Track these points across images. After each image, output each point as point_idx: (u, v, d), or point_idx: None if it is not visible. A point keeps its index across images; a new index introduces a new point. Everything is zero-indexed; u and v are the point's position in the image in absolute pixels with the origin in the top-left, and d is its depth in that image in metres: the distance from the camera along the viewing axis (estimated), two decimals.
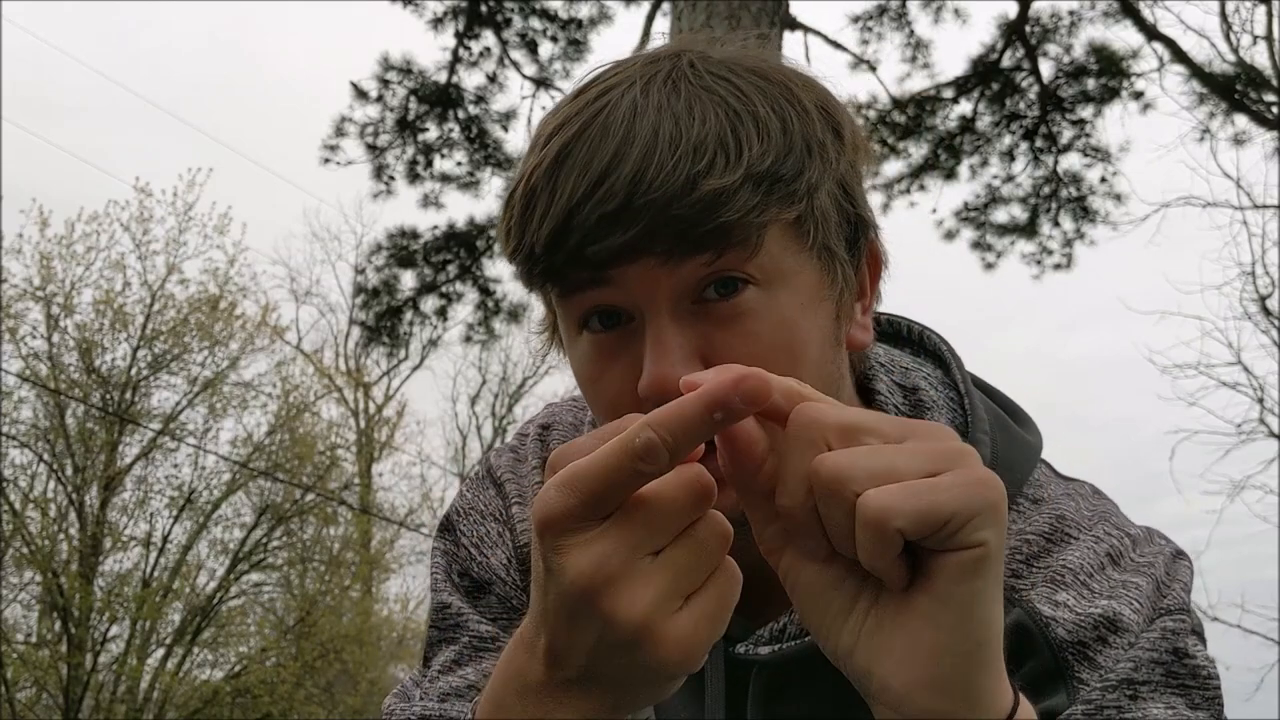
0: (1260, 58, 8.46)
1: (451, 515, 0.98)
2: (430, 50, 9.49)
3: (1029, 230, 8.60)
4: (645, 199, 0.70)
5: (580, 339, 0.78)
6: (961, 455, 0.55)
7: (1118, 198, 8.47)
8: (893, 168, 8.31)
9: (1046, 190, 8.51)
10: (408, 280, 8.78)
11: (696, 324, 0.74)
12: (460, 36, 8.34)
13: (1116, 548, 0.82)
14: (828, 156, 0.77)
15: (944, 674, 0.53)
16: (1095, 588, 0.79)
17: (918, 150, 8.34)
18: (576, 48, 8.44)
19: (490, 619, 0.92)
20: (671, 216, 0.70)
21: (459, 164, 8.62)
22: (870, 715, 0.57)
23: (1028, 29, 8.09)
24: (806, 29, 6.97)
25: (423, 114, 8.47)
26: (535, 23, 8.42)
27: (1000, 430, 0.87)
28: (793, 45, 7.16)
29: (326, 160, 8.43)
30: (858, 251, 0.82)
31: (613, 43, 8.54)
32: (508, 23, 8.43)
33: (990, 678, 0.54)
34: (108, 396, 14.39)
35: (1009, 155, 8.47)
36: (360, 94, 8.39)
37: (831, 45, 7.56)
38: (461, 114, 8.52)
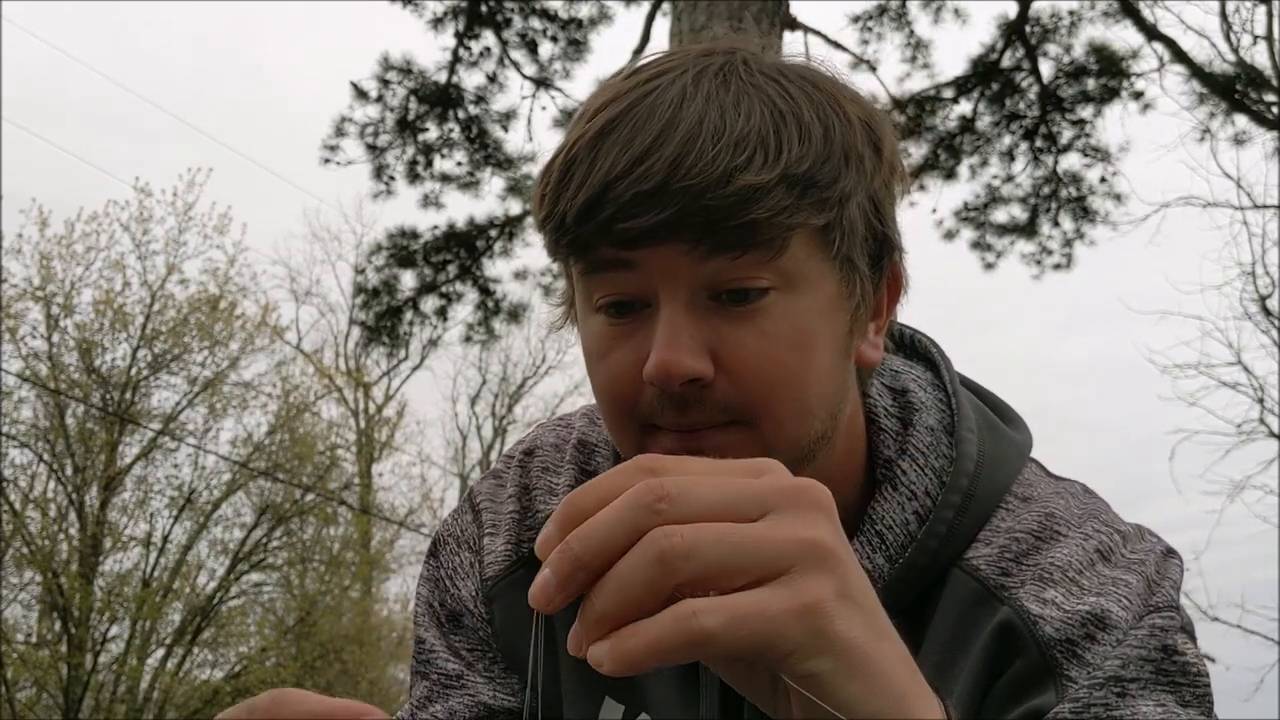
0: (1260, 58, 8.47)
1: (436, 540, 1.00)
2: (430, 50, 9.51)
3: (1029, 230, 8.60)
4: (681, 184, 0.71)
5: (593, 317, 0.80)
6: (807, 552, 0.50)
7: (1118, 198, 8.47)
8: None
9: (1046, 190, 8.51)
10: (408, 280, 8.78)
11: (710, 318, 0.75)
12: (460, 36, 8.34)
13: (1106, 544, 0.82)
14: (864, 169, 0.78)
15: None
16: (1084, 585, 0.78)
17: (918, 150, 8.34)
18: (576, 48, 8.44)
19: (466, 649, 0.94)
20: (703, 205, 0.71)
21: (459, 164, 8.62)
22: None
23: (1028, 29, 8.08)
24: (806, 29, 6.97)
25: (423, 114, 8.47)
26: (535, 23, 8.42)
27: (987, 429, 0.88)
28: (793, 45, 7.17)
29: (326, 160, 8.43)
30: (880, 270, 0.82)
31: (613, 43, 8.52)
32: (508, 23, 8.43)
33: None
34: (108, 396, 14.39)
35: (1009, 155, 8.47)
36: (360, 94, 8.39)
37: (831, 45, 7.55)
38: (461, 114, 8.52)
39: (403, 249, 8.62)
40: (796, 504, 0.52)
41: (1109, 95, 8.12)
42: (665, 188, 0.71)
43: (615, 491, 0.51)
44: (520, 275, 8.90)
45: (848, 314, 0.79)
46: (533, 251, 8.95)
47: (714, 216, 0.71)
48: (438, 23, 8.29)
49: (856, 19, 8.27)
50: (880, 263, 0.82)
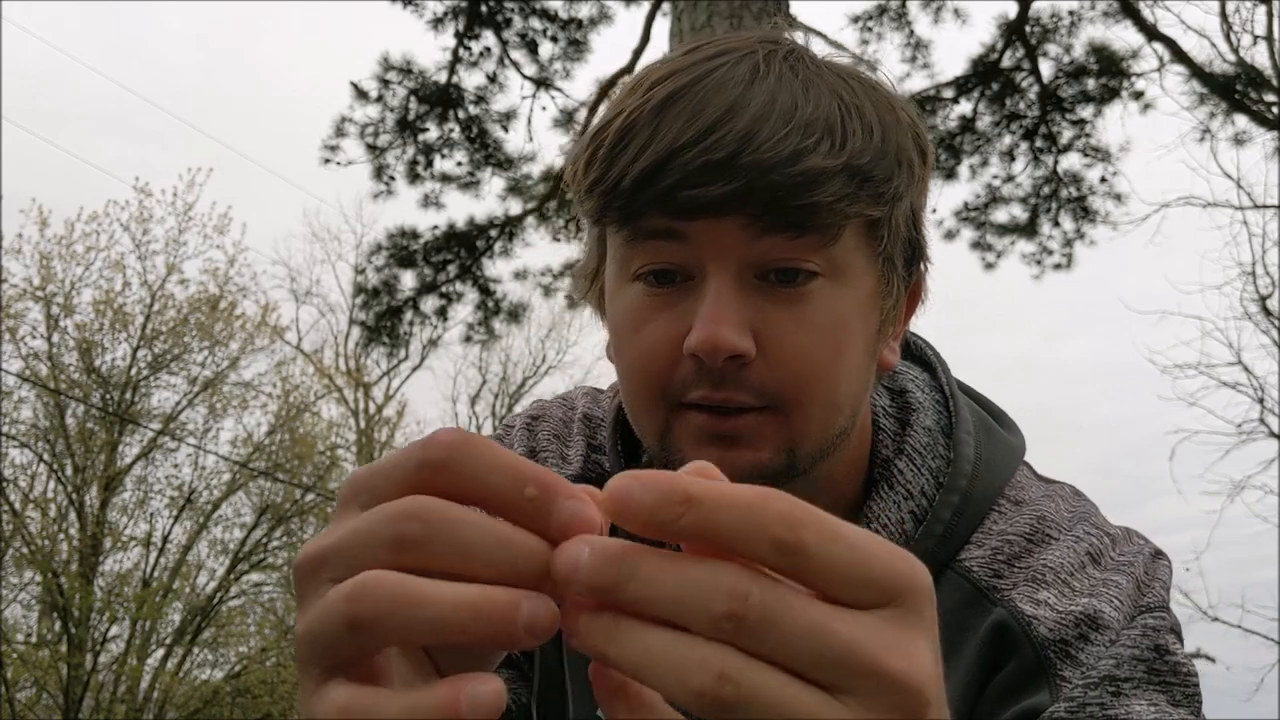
0: (1260, 58, 8.48)
1: None
2: (430, 50, 9.51)
3: (1029, 230, 8.60)
4: (751, 158, 0.71)
5: (630, 286, 0.79)
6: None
7: (1118, 198, 8.47)
8: None
9: (1046, 190, 8.51)
10: (408, 280, 8.78)
11: (755, 297, 0.75)
12: (460, 36, 8.34)
13: (1097, 547, 0.82)
14: (913, 174, 0.80)
15: None
16: (1076, 586, 0.79)
17: None
18: (576, 48, 8.44)
19: None
20: (770, 182, 0.71)
21: (459, 164, 8.62)
22: None
23: (1028, 29, 8.08)
24: (806, 29, 6.97)
25: (423, 114, 8.47)
26: (535, 23, 8.42)
27: (983, 432, 0.88)
28: None
29: (327, 160, 8.43)
30: (910, 276, 0.84)
31: (613, 43, 8.53)
32: (508, 23, 8.42)
33: None
34: (108, 396, 14.40)
35: (1009, 155, 8.47)
36: (360, 94, 8.39)
37: (832, 45, 7.54)
38: (461, 114, 8.52)
39: (403, 249, 8.62)
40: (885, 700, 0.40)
41: (1109, 95, 8.12)
42: (735, 159, 0.71)
43: (740, 505, 0.39)
44: (520, 275, 8.91)
45: (880, 313, 0.80)
46: (533, 251, 8.96)
47: (779, 194, 0.72)
48: (438, 23, 8.29)
49: (856, 19, 8.27)
50: (911, 269, 0.84)
